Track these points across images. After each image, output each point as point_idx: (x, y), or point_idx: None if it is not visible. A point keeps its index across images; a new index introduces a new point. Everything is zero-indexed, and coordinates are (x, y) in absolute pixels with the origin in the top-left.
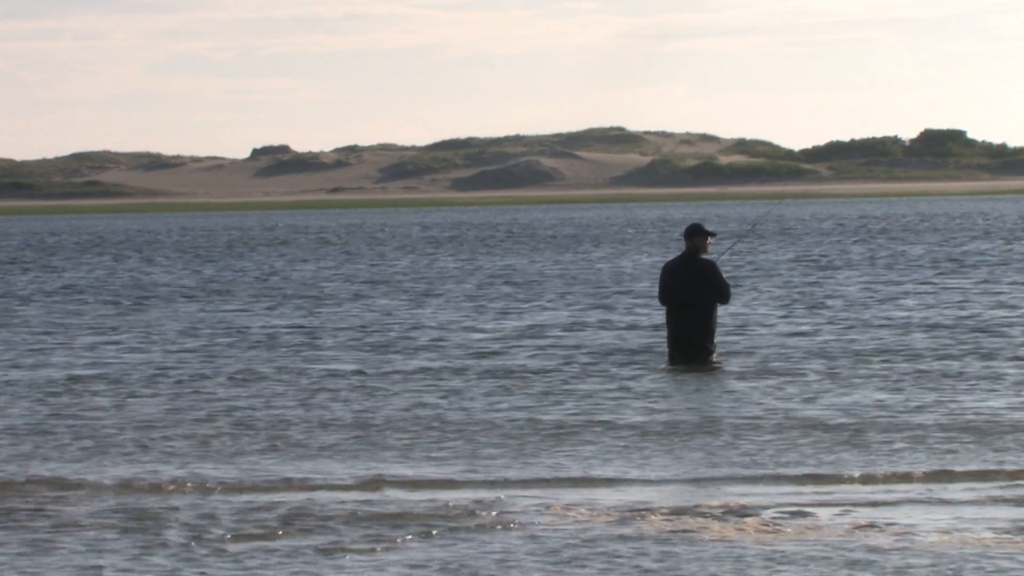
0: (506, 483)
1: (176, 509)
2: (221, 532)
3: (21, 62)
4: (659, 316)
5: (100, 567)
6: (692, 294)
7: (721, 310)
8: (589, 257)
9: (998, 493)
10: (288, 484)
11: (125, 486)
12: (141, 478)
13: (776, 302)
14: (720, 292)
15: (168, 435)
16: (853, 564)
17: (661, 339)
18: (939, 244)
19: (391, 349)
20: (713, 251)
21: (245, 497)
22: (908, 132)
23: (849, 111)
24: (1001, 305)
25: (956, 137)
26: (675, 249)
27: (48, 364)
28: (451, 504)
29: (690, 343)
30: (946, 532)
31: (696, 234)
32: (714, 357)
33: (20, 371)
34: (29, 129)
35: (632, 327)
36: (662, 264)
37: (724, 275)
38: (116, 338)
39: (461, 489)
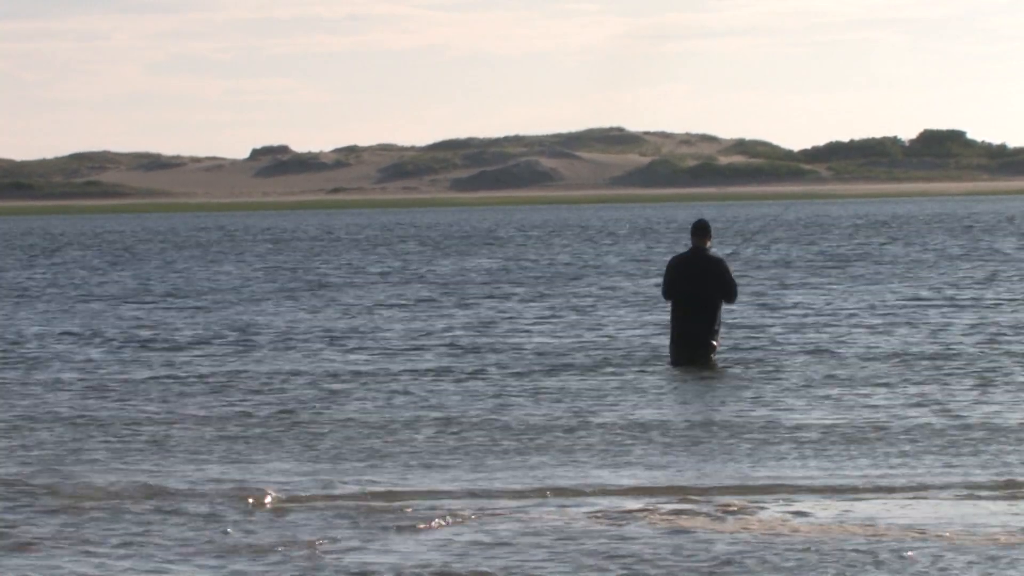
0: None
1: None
2: None
3: (21, 62)
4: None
5: None
6: (699, 289)
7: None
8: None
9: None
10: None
11: None
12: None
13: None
14: (727, 291)
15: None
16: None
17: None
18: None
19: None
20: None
21: None
22: (908, 132)
23: (849, 111)
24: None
25: (956, 137)
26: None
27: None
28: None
29: (695, 341)
30: (948, 532)
31: (704, 231)
32: (714, 355)
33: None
34: (29, 129)
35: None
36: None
37: (733, 273)
38: None
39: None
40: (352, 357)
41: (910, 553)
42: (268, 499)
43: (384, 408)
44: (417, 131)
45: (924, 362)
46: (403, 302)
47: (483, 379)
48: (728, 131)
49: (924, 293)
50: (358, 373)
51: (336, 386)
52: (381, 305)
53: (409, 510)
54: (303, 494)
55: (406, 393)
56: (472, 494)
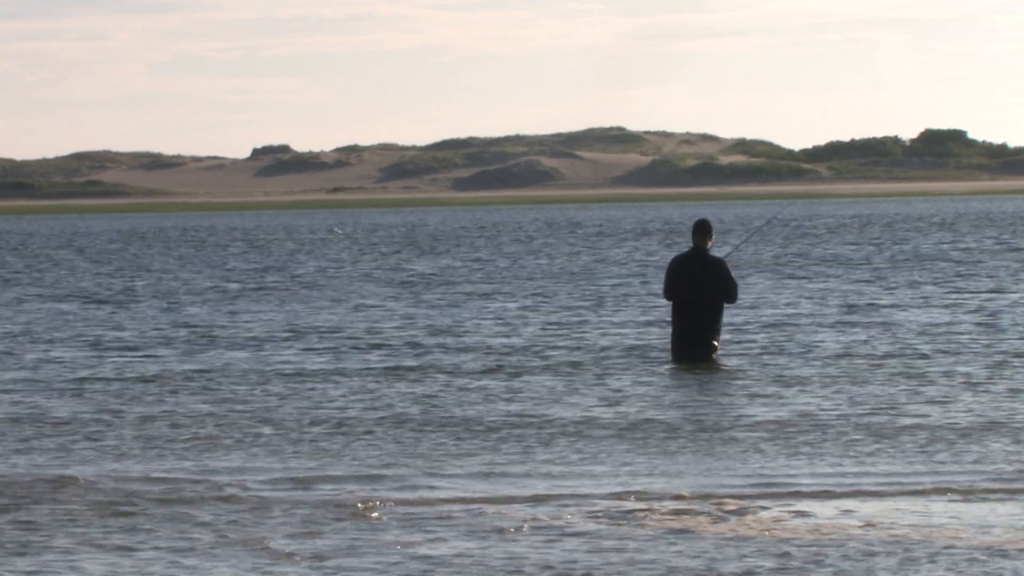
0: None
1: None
2: None
3: (24, 62)
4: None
5: None
6: (699, 291)
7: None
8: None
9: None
10: None
11: None
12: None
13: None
14: (728, 291)
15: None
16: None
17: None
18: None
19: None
20: (727, 248)
21: None
22: (908, 132)
23: (849, 111)
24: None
25: (956, 137)
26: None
27: None
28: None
29: (695, 341)
30: (951, 532)
31: (705, 231)
32: (716, 355)
33: None
34: (29, 129)
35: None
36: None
37: (733, 273)
38: None
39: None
40: (355, 358)
41: (911, 552)
42: (357, 503)
43: (392, 410)
44: (418, 131)
45: (925, 361)
46: (397, 302)
47: (482, 380)
48: (729, 131)
49: (928, 291)
50: (352, 372)
51: (350, 386)
52: (375, 305)
53: (454, 511)
54: (400, 497)
55: (413, 395)
56: (481, 497)
